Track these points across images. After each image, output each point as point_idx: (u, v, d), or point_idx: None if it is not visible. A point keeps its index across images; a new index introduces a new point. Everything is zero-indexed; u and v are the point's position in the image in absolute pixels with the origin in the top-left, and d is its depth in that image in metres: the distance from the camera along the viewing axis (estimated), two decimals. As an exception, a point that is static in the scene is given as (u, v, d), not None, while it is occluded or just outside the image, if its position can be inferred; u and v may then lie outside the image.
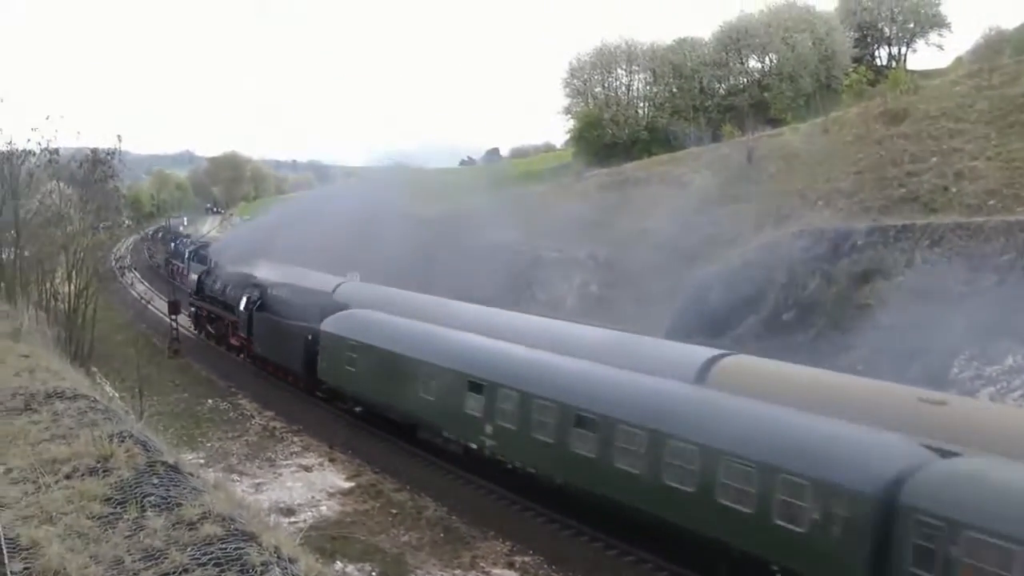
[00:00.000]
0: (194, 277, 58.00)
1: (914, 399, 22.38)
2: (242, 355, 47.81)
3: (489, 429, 27.89)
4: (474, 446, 28.92)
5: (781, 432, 20.13)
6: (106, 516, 8.38)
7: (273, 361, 43.26)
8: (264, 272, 47.36)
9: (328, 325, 36.96)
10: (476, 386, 28.37)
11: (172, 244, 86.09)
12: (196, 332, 56.63)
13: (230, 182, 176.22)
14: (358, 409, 36.45)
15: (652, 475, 21.92)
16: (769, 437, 19.98)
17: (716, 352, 28.28)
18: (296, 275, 46.81)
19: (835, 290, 40.03)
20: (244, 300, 45.42)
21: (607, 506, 24.06)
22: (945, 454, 18.57)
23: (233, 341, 48.97)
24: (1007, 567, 14.68)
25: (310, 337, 38.17)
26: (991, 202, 40.25)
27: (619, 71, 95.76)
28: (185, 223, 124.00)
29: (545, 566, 24.63)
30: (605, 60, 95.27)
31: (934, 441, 19.24)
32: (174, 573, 6.98)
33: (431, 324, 34.09)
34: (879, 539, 17.16)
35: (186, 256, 71.65)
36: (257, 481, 31.46)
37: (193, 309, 56.78)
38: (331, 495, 30.16)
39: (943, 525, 15.84)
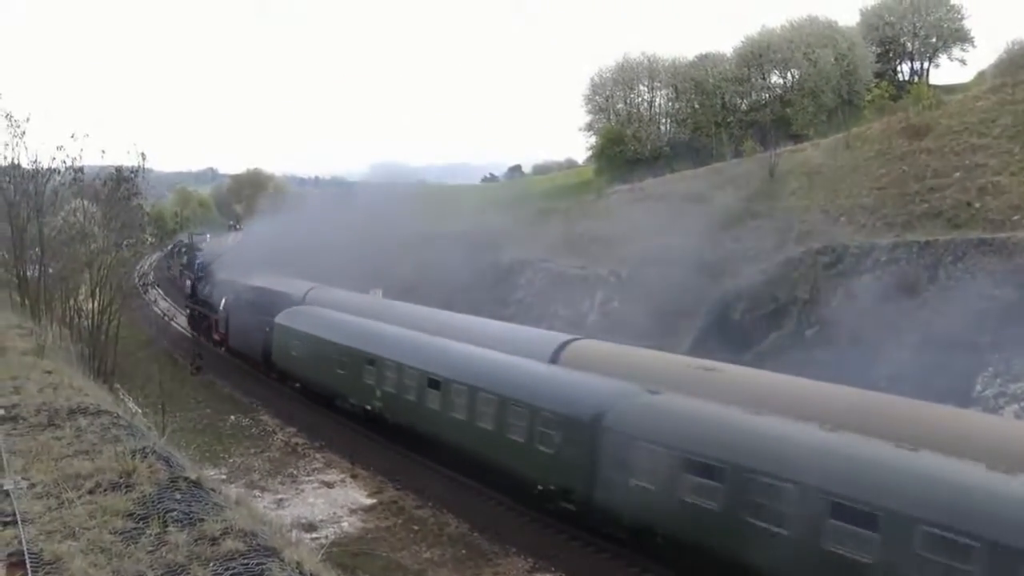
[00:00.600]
0: (189, 283, 64.87)
1: (696, 367, 29.15)
2: (223, 348, 53.98)
3: (378, 393, 35.58)
4: (368, 407, 36.34)
5: (550, 384, 28.18)
6: (128, 531, 8.43)
7: (243, 352, 50.03)
8: (245, 278, 51.68)
9: (279, 318, 44.07)
10: (371, 360, 36.08)
11: (184, 258, 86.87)
12: (192, 332, 61.53)
13: (252, 199, 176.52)
14: (297, 385, 43.44)
15: (469, 418, 29.62)
16: (544, 389, 27.81)
17: (568, 337, 34.63)
18: (272, 281, 50.99)
19: (858, 307, 39.83)
20: (223, 301, 51.35)
21: (446, 447, 31.25)
22: (654, 392, 25.60)
23: (215, 336, 55.40)
24: (656, 461, 22.55)
25: (268, 329, 45.02)
26: (1015, 217, 40.00)
27: (641, 87, 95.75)
28: (208, 239, 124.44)
29: (566, 583, 24.58)
30: (627, 76, 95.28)
31: (706, 396, 25.02)
32: (196, 588, 7.00)
33: (358, 318, 41.15)
34: (593, 450, 24.60)
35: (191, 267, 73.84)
36: (279, 497, 31.50)
37: (188, 311, 64.25)
38: (353, 511, 30.17)
39: (631, 437, 23.60)
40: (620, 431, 23.99)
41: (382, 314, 41.99)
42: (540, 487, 26.86)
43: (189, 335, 60.98)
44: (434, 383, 31.77)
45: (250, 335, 47.97)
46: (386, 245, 66.10)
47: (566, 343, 33.37)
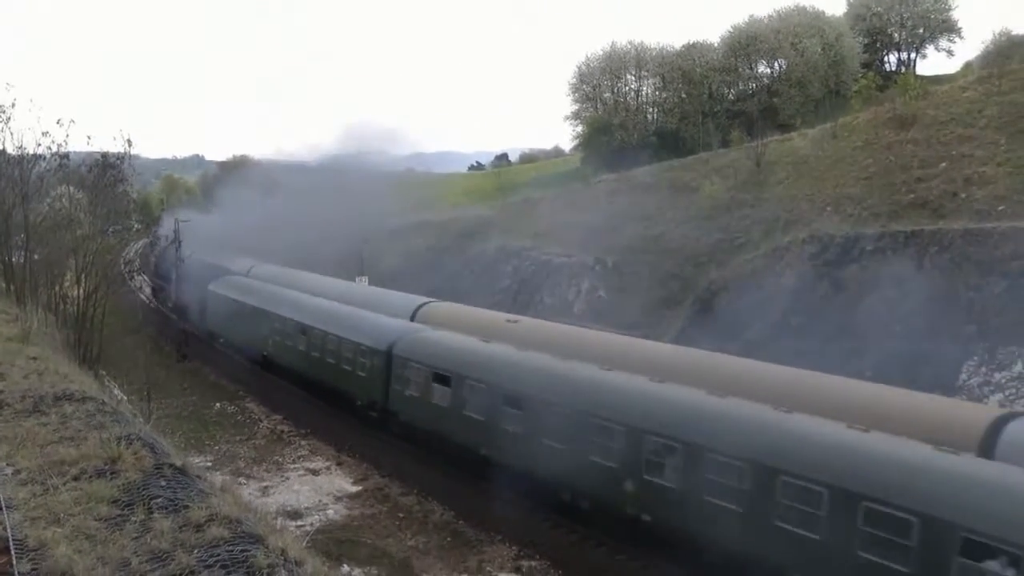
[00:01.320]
0: (153, 260, 72.57)
1: (505, 320, 36.97)
2: (175, 314, 58.26)
3: (270, 343, 43.45)
4: (265, 354, 44.18)
5: (367, 326, 36.56)
6: (113, 518, 8.40)
7: (185, 313, 54.98)
8: (199, 255, 56.26)
9: (212, 285, 51.01)
10: (263, 314, 43.99)
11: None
12: (155, 301, 68.48)
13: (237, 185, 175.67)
14: (221, 340, 50.46)
15: (321, 355, 38.39)
16: (363, 329, 36.34)
17: (425, 300, 42.41)
18: (220, 258, 58.00)
19: (844, 296, 39.96)
20: (175, 273, 57.11)
21: (311, 381, 39.83)
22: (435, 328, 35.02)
23: (170, 304, 60.74)
24: (419, 374, 31.42)
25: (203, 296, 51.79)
26: (1000, 208, 40.17)
27: (628, 76, 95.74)
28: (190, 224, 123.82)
29: (551, 570, 24.63)
30: (614, 65, 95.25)
31: (507, 341, 31.56)
32: (181, 575, 6.99)
33: (266, 284, 49.89)
34: (388, 371, 33.27)
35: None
36: (264, 484, 31.49)
37: (151, 285, 72.64)
38: (338, 499, 30.19)
39: (406, 359, 32.39)
40: (400, 355, 32.81)
41: (296, 284, 49.86)
42: (359, 401, 35.65)
43: (151, 305, 67.97)
44: (302, 330, 40.39)
45: (191, 302, 53.79)
46: (370, 234, 66.53)
47: (422, 304, 41.28)
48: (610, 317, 49.14)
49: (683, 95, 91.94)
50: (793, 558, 18.96)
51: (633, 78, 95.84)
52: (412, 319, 39.12)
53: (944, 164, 45.86)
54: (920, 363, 34.12)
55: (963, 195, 42.61)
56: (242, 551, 7.35)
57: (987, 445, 19.61)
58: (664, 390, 24.14)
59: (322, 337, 38.57)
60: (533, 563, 25.00)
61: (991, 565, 15.42)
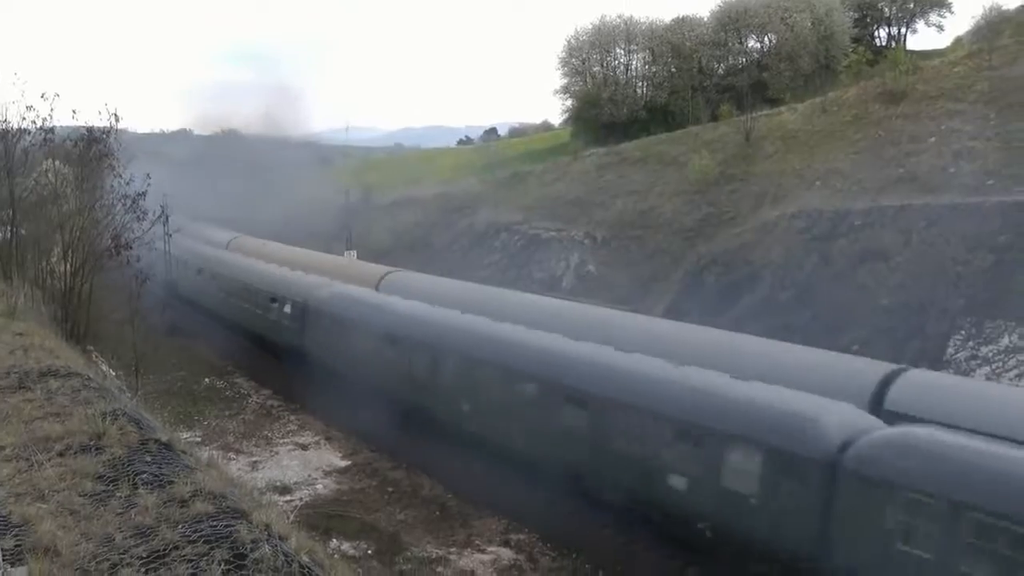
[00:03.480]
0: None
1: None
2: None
3: (226, 306, 49.28)
4: (222, 315, 49.74)
5: (292, 284, 42.82)
6: (98, 494, 8.39)
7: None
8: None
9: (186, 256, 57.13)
10: (217, 277, 51.33)
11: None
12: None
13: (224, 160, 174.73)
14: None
15: (264, 312, 43.55)
16: (289, 288, 42.39)
17: (388, 269, 46.50)
18: (203, 230, 64.44)
19: (832, 270, 40.01)
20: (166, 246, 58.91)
21: (254, 336, 45.42)
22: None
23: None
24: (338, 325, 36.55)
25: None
26: (989, 182, 40.18)
27: (617, 50, 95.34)
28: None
29: (539, 543, 24.74)
30: (603, 39, 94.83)
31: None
32: (164, 550, 6.98)
33: (232, 253, 57.30)
34: (304, 321, 39.52)
35: None
36: (254, 459, 31.52)
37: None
38: (327, 473, 30.23)
39: (317, 314, 38.57)
40: (315, 309, 38.65)
41: (265, 254, 55.70)
42: (283, 349, 41.25)
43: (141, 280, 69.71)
44: (249, 291, 46.13)
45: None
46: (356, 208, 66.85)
47: (387, 273, 45.26)
48: (599, 292, 49.17)
49: (672, 69, 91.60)
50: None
51: (622, 52, 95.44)
52: (377, 288, 42.80)
53: (933, 139, 45.84)
54: (908, 337, 34.24)
55: (952, 170, 42.61)
56: (226, 526, 7.35)
57: (877, 397, 22.00)
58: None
59: (266, 296, 43.86)
60: (521, 536, 25.11)
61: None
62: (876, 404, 21.74)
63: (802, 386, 21.24)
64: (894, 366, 23.97)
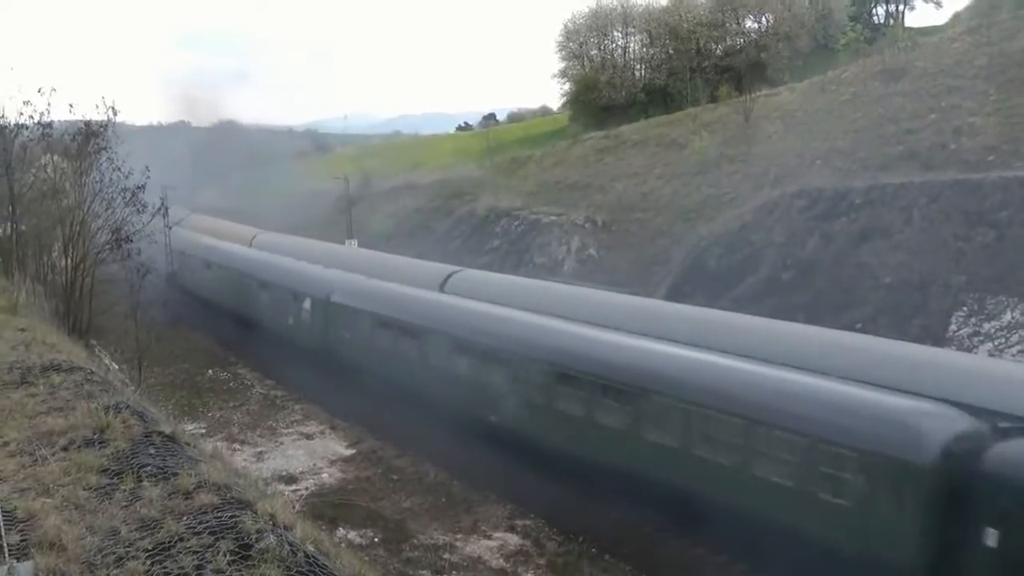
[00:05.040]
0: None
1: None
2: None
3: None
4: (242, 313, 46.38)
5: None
6: (103, 487, 8.40)
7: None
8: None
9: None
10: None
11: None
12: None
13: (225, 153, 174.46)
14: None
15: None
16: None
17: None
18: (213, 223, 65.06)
19: (834, 249, 39.92)
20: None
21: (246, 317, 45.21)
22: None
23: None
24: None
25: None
26: (990, 158, 40.07)
27: (615, 33, 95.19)
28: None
29: (546, 528, 24.77)
30: (600, 22, 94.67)
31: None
32: (169, 542, 6.98)
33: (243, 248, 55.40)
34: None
35: None
36: (259, 450, 31.57)
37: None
38: (332, 462, 30.27)
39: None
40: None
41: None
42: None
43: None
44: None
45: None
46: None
47: (452, 274, 39.52)
48: (600, 275, 49.13)
49: (670, 51, 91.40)
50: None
51: (620, 35, 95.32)
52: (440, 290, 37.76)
53: (933, 115, 45.69)
54: (911, 315, 34.19)
55: (952, 146, 42.48)
56: (231, 517, 7.35)
57: None
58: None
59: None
60: (527, 522, 25.15)
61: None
62: None
63: None
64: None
